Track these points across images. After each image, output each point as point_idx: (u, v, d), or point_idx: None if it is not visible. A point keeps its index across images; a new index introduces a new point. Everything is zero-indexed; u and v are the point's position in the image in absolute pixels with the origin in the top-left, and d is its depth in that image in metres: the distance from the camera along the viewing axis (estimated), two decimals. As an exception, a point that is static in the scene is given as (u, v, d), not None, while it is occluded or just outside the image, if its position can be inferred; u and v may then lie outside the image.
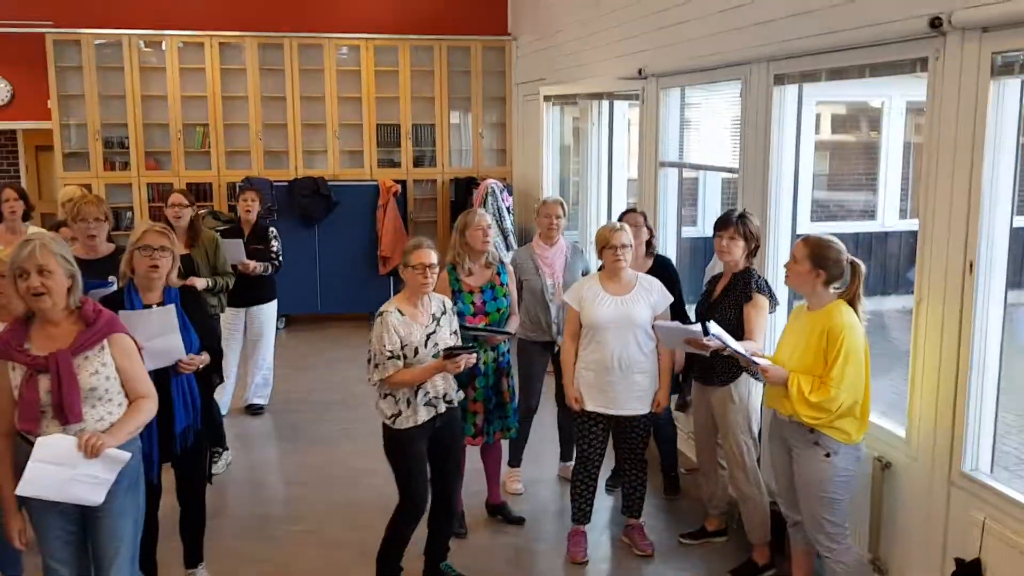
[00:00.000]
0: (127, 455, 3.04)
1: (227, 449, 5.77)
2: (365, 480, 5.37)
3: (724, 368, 4.19)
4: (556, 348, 5.07)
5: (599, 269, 4.51)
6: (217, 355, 4.00)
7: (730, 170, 5.39)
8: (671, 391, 4.67)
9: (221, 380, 4.32)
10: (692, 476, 5.25)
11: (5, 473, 3.09)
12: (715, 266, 4.82)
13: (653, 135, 6.14)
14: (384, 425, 3.97)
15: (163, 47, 9.33)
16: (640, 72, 6.14)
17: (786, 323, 3.98)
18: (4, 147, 10.63)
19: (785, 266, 3.72)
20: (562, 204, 5.23)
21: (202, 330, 3.86)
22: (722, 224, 4.25)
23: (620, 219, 4.99)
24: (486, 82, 10.02)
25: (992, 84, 3.21)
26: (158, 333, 3.59)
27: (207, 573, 4.20)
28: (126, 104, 9.27)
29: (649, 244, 4.96)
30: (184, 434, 3.81)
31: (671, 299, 4.43)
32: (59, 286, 3.01)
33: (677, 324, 4.21)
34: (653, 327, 4.27)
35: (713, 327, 3.75)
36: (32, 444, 2.99)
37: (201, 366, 3.81)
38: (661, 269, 4.92)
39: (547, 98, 8.53)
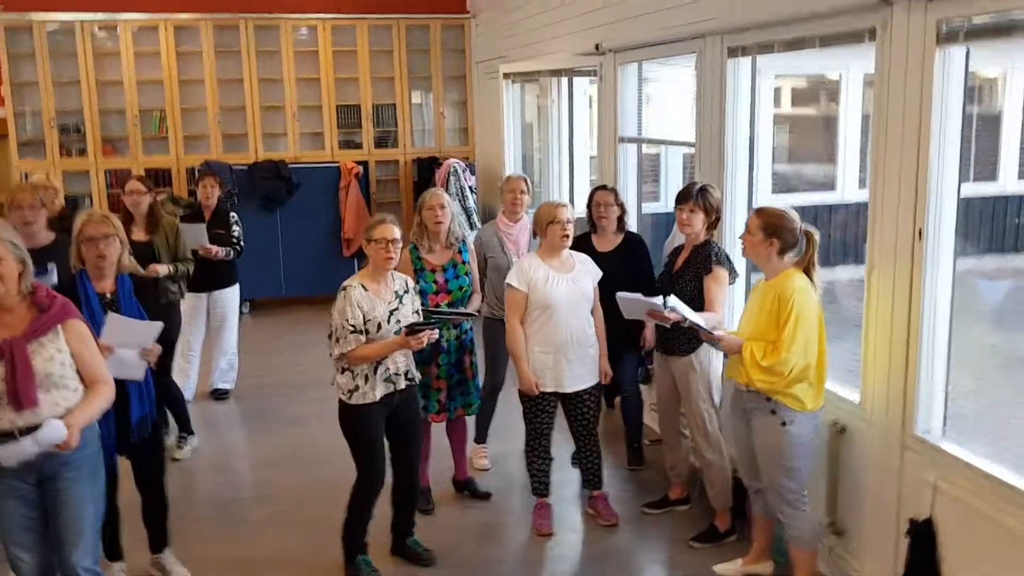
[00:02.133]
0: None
1: (193, 434, 5.75)
2: (336, 459, 5.30)
3: (685, 338, 4.25)
4: None
5: (539, 247, 4.50)
6: (169, 345, 3.96)
7: (688, 144, 5.43)
8: (640, 364, 4.73)
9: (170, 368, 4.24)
10: (655, 447, 5.33)
11: None
12: (675, 239, 4.87)
13: (612, 111, 6.17)
14: (340, 400, 3.98)
15: (117, 31, 9.17)
16: (597, 47, 6.15)
17: (748, 296, 4.04)
18: (-44, 136, 10.40)
19: (740, 237, 3.77)
20: (526, 180, 5.25)
21: (155, 318, 3.79)
22: (683, 197, 4.30)
23: (591, 195, 5.03)
24: (446, 61, 9.98)
25: (937, 52, 3.26)
26: (134, 345, 3.59)
27: (174, 556, 4.19)
28: (81, 90, 9.11)
29: (620, 220, 4.98)
30: (141, 423, 3.79)
31: (600, 272, 4.49)
32: (10, 271, 2.98)
33: (639, 296, 4.24)
34: (616, 298, 4.30)
35: (672, 300, 3.81)
36: None
37: (154, 358, 3.76)
38: (632, 244, 4.97)
39: (507, 76, 8.51)
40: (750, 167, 4.81)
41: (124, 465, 3.91)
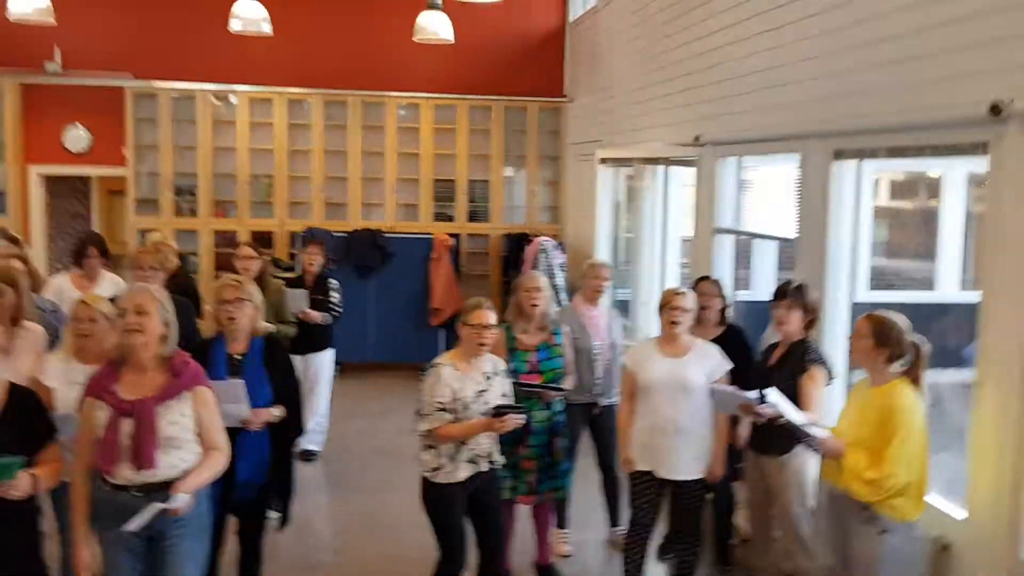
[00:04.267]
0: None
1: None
2: (411, 532, 5.39)
3: (779, 438, 4.19)
4: (597, 410, 5.13)
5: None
6: (295, 409, 4.07)
7: (786, 240, 5.44)
8: (735, 462, 4.64)
9: (299, 433, 4.37)
10: (744, 547, 5.21)
11: (81, 507, 3.23)
12: (770, 336, 4.84)
13: (709, 201, 6.23)
14: (423, 477, 4.02)
15: (234, 101, 9.71)
16: (696, 139, 6.25)
17: (847, 397, 3.99)
18: (79, 191, 11.07)
19: (848, 340, 3.74)
20: (608, 267, 5.37)
21: (280, 383, 3.96)
22: (779, 295, 4.29)
23: (694, 287, 5.02)
24: (541, 141, 10.25)
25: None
26: (228, 399, 3.73)
27: (261, 618, 4.27)
28: (197, 154, 9.64)
29: (722, 312, 4.97)
30: (245, 486, 3.91)
31: (729, 367, 4.40)
32: (153, 329, 3.17)
33: (732, 389, 4.21)
34: (709, 391, 4.27)
35: (772, 395, 3.76)
36: (108, 484, 3.14)
37: (270, 420, 3.90)
38: (733, 337, 4.90)
39: (602, 161, 8.67)
40: (852, 264, 4.78)
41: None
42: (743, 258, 6.62)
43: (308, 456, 6.88)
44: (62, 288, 5.64)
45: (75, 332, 3.83)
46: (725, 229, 6.19)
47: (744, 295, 7.02)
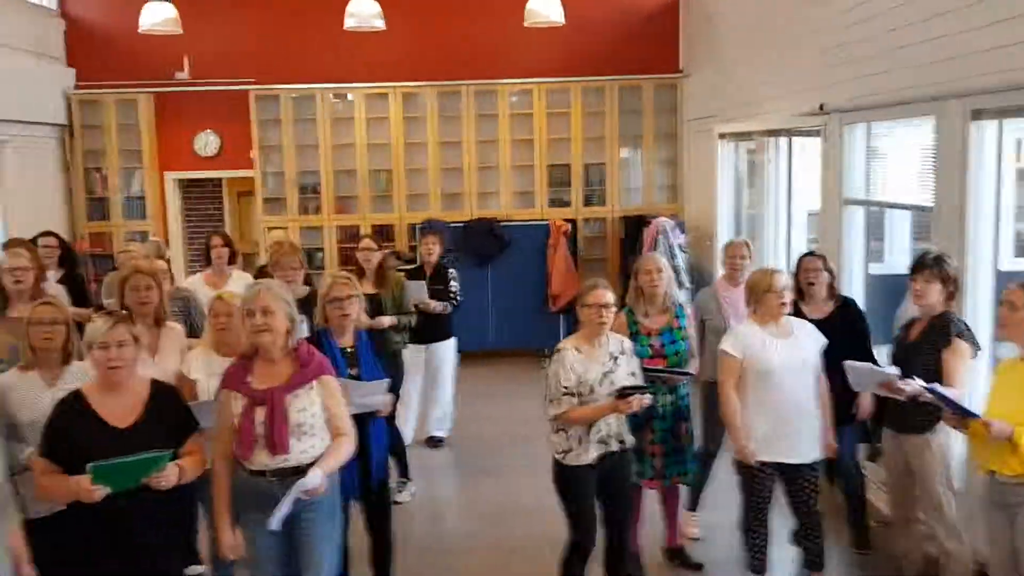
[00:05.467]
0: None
1: (411, 480, 6.02)
2: (539, 515, 5.43)
3: (921, 416, 3.99)
4: None
5: (753, 313, 4.36)
6: (395, 394, 4.29)
7: (921, 209, 5.16)
8: (860, 440, 4.48)
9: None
10: (884, 529, 5.00)
11: (222, 493, 3.39)
12: (908, 309, 4.61)
13: (836, 172, 5.97)
14: (554, 459, 4.06)
15: (351, 98, 9.96)
16: (821, 107, 5.99)
17: (995, 375, 3.74)
18: (212, 193, 11.60)
19: (999, 313, 3.50)
20: (748, 245, 5.22)
21: (388, 372, 4.14)
22: (917, 267, 4.08)
23: (799, 263, 4.88)
24: (657, 120, 10.05)
25: None
26: (370, 395, 3.91)
27: (396, 602, 4.38)
28: (318, 152, 9.94)
29: (831, 287, 4.80)
30: (379, 468, 4.09)
31: (824, 339, 4.28)
32: (279, 326, 3.32)
33: (870, 366, 4.06)
34: (844, 367, 4.12)
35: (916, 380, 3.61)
36: (246, 470, 3.29)
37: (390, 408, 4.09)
38: (846, 311, 4.76)
39: (721, 136, 8.45)
40: (995, 231, 4.49)
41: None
42: (875, 229, 6.32)
43: (435, 443, 7.02)
44: (195, 287, 5.94)
45: (214, 326, 4.04)
46: (855, 200, 5.92)
47: (878, 268, 6.71)
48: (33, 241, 6.31)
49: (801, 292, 4.79)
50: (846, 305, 4.83)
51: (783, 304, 4.20)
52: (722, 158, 8.57)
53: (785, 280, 4.24)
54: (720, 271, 5.36)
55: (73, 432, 3.14)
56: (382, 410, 4.05)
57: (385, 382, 4.02)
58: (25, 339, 3.59)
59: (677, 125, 10.04)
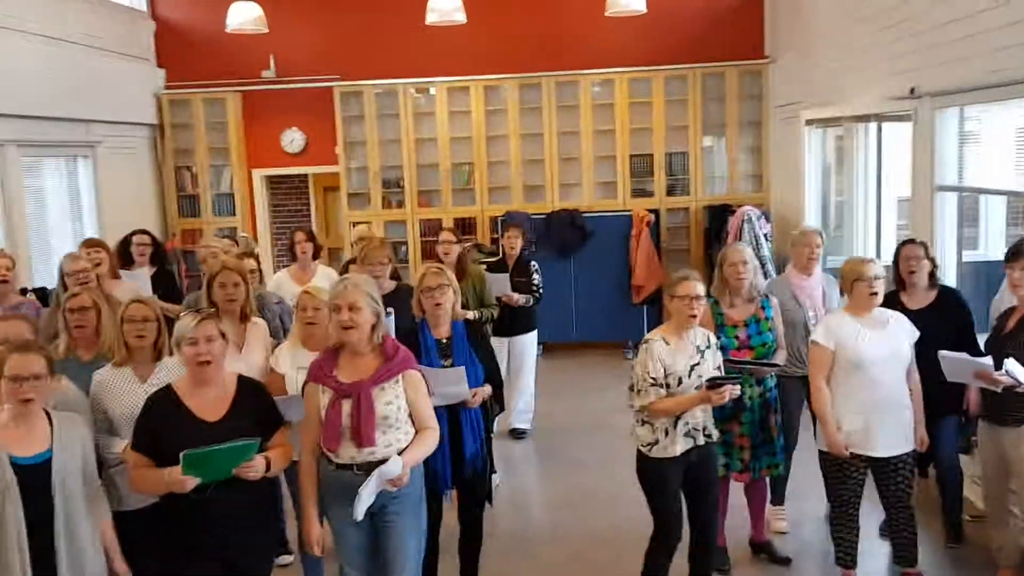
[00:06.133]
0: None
1: (495, 471, 6.06)
2: (623, 507, 5.44)
3: (1018, 407, 3.84)
4: None
5: (847, 304, 4.29)
6: (498, 386, 4.29)
7: (1018, 194, 4.95)
8: (959, 432, 4.35)
9: (501, 409, 4.62)
10: (977, 524, 4.83)
11: (309, 487, 3.48)
12: (1004, 299, 4.44)
13: (927, 157, 5.77)
14: (639, 451, 4.03)
15: (432, 92, 10.07)
16: (912, 91, 5.80)
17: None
18: (298, 189, 11.91)
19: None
20: (820, 234, 5.10)
21: (485, 363, 4.17)
22: (1013, 255, 3.94)
23: (898, 251, 4.75)
24: (741, 107, 9.86)
25: None
26: (450, 384, 3.95)
27: (479, 591, 4.45)
28: (401, 147, 10.09)
29: (932, 276, 4.65)
30: (472, 460, 4.13)
31: (916, 331, 4.17)
32: (365, 322, 3.38)
33: (965, 356, 3.94)
34: (939, 357, 4.00)
35: (1009, 363, 3.48)
36: (333, 464, 3.37)
37: (485, 398, 4.13)
38: (947, 300, 4.62)
39: (808, 122, 8.24)
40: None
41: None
42: (969, 216, 6.09)
43: (518, 435, 7.06)
44: (281, 282, 6.11)
45: (301, 321, 4.14)
46: (947, 186, 5.72)
47: (971, 256, 6.47)
48: (127, 239, 6.61)
49: (901, 281, 4.66)
50: (947, 294, 4.69)
51: (874, 294, 4.10)
52: (809, 145, 8.38)
53: (878, 269, 4.14)
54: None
55: (165, 426, 3.26)
56: (468, 400, 4.07)
57: (462, 369, 4.03)
58: (119, 336, 3.73)
59: (762, 112, 9.83)
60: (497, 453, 6.33)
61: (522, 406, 7.08)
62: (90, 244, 5.82)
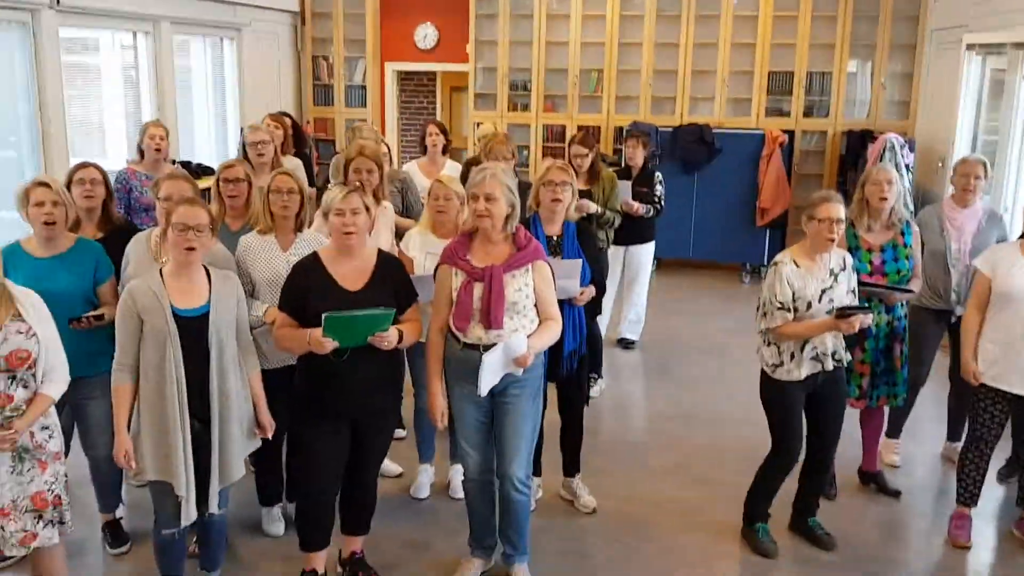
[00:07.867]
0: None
1: (602, 377, 6.13)
2: (730, 425, 5.44)
3: None
4: (953, 318, 4.70)
5: (1020, 237, 4.08)
6: (600, 289, 4.30)
7: None
8: None
9: (599, 313, 4.64)
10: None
11: (436, 362, 3.60)
12: None
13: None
14: (763, 372, 3.99)
15: (570, -5, 9.84)
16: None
17: None
18: (425, 87, 11.95)
19: None
20: (985, 165, 4.75)
21: (591, 264, 4.17)
22: None
23: None
24: (895, 28, 9.27)
25: None
26: (565, 276, 3.96)
27: (583, 484, 4.55)
28: (532, 49, 9.95)
29: None
30: (570, 357, 4.16)
31: None
32: (499, 211, 3.43)
33: None
34: None
35: None
36: (460, 342, 3.48)
37: (590, 298, 4.14)
38: None
39: (970, 47, 7.69)
40: None
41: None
42: None
43: (627, 345, 7.08)
44: (411, 173, 6.19)
45: (432, 208, 4.22)
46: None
47: None
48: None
49: None
50: None
51: None
52: (967, 73, 7.82)
53: None
54: (949, 191, 4.96)
55: (310, 290, 3.41)
56: (576, 297, 4.07)
57: (579, 261, 4.05)
58: (265, 206, 3.89)
59: (917, 35, 9.22)
60: (606, 360, 6.44)
61: (633, 316, 7.07)
62: (274, 117, 6.08)
